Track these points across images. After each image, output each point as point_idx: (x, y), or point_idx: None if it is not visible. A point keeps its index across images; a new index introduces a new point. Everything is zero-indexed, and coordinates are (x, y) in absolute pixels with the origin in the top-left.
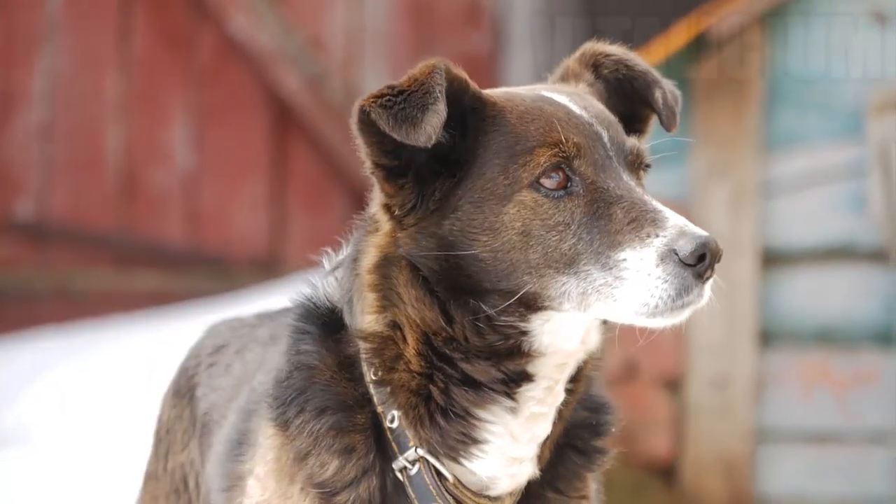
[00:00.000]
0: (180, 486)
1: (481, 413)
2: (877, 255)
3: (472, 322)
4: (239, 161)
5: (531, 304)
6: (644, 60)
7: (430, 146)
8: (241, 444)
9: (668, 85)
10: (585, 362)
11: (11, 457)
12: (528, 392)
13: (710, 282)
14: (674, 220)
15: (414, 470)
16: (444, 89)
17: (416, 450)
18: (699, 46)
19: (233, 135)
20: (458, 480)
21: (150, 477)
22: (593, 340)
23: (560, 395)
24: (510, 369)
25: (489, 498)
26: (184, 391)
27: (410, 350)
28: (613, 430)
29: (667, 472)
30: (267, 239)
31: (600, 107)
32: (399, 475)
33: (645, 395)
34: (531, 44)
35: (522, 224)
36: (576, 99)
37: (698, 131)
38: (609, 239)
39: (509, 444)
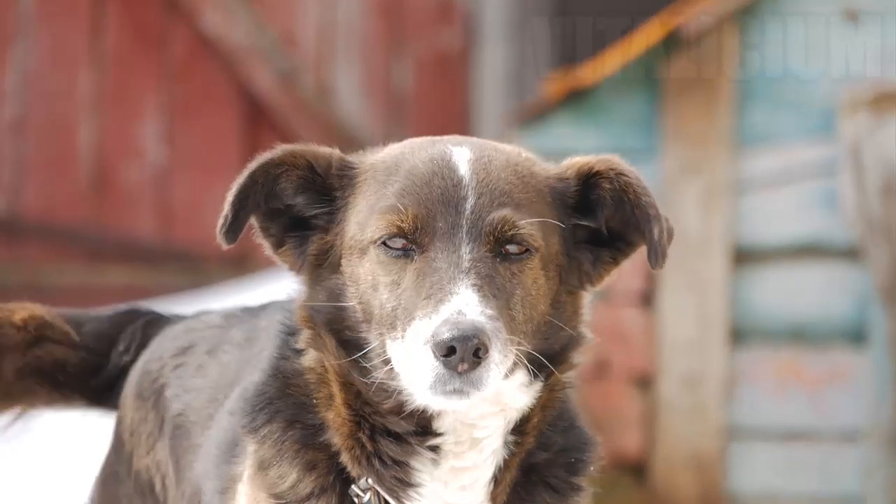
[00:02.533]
0: (146, 488)
1: (409, 461)
2: (849, 253)
3: (360, 378)
4: (211, 157)
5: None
6: (649, 192)
7: (233, 244)
8: (236, 446)
9: (667, 223)
10: (529, 417)
11: None
12: (444, 446)
13: (489, 371)
14: (452, 306)
15: (365, 498)
16: (244, 191)
17: (367, 479)
18: (671, 44)
19: (205, 131)
20: None
21: (109, 478)
22: (515, 400)
23: (490, 451)
24: (417, 424)
25: None
26: (148, 393)
27: (338, 397)
28: (592, 468)
29: (638, 470)
30: None
31: (496, 172)
32: (355, 499)
33: (616, 392)
34: (503, 40)
35: (372, 277)
36: (473, 158)
37: (670, 129)
38: (410, 310)
39: (443, 490)
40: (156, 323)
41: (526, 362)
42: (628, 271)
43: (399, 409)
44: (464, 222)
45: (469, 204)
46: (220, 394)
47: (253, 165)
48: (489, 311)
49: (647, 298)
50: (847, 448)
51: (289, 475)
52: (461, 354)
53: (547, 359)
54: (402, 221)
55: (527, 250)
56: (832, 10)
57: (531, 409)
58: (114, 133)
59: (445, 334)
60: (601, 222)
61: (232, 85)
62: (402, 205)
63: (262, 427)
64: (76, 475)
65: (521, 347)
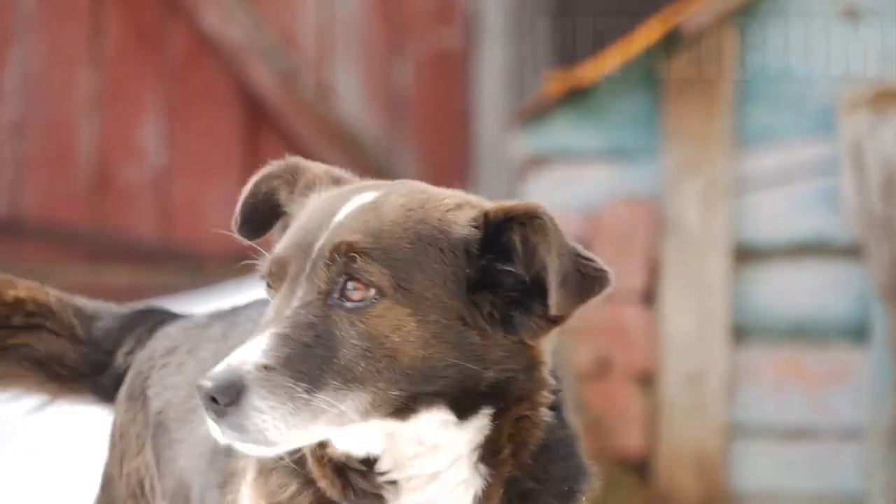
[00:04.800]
0: (136, 489)
1: (378, 492)
2: (849, 251)
3: None
4: (211, 157)
5: None
6: (558, 235)
7: (255, 240)
8: None
9: (580, 270)
10: (498, 449)
11: None
12: (400, 482)
13: (249, 418)
14: (238, 351)
15: None
16: (245, 197)
17: None
18: (670, 44)
19: (204, 131)
20: None
21: (108, 479)
22: (442, 438)
23: (454, 483)
24: (361, 462)
25: None
26: (137, 394)
27: None
28: (583, 497)
29: (640, 468)
30: None
31: (373, 213)
32: None
33: (618, 391)
34: (503, 40)
35: None
36: (367, 202)
37: (670, 128)
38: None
39: None
40: (165, 324)
41: (423, 404)
42: (629, 270)
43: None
44: (307, 265)
45: (318, 244)
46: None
47: (257, 175)
48: (265, 361)
49: (649, 297)
50: (848, 446)
51: (289, 486)
52: (205, 403)
53: (471, 398)
54: (265, 266)
55: (373, 296)
56: (832, 9)
57: (495, 441)
58: (114, 133)
59: (201, 382)
60: (520, 269)
61: (231, 84)
62: (275, 249)
63: None
64: (81, 477)
65: (368, 393)
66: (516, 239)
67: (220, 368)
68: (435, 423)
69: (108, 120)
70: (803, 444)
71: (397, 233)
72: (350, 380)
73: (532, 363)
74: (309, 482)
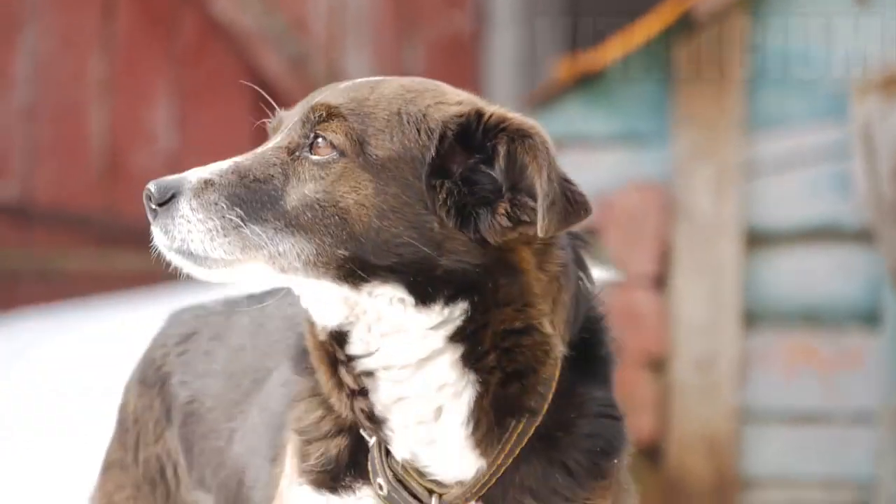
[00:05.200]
0: (156, 476)
1: (364, 387)
2: (861, 236)
3: None
4: (222, 142)
5: None
6: (548, 156)
7: None
8: (283, 417)
9: (561, 195)
10: (484, 354)
11: None
12: (377, 372)
13: (174, 221)
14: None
15: (371, 442)
16: None
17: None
18: (682, 28)
19: (216, 115)
20: (408, 461)
21: (114, 465)
22: (396, 317)
23: (436, 383)
24: (332, 338)
25: (436, 482)
26: (152, 381)
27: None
28: (616, 461)
29: (651, 453)
30: None
31: (370, 88)
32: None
33: (629, 375)
34: (514, 25)
35: None
36: (375, 79)
37: (681, 112)
38: None
39: (409, 428)
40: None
41: (375, 276)
42: (640, 255)
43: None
44: (294, 117)
45: (309, 102)
46: (242, 379)
47: None
48: (209, 177)
49: (660, 281)
50: (860, 430)
51: (315, 412)
52: (145, 201)
53: (426, 282)
54: (272, 122)
55: (336, 156)
56: None
57: (476, 342)
58: (125, 118)
59: (148, 183)
60: (498, 176)
61: (242, 69)
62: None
63: (307, 368)
64: (124, 376)
65: (312, 244)
66: (501, 150)
67: (172, 176)
68: (392, 299)
69: (120, 105)
70: (814, 429)
71: (381, 104)
72: (293, 225)
73: (512, 269)
74: (332, 409)
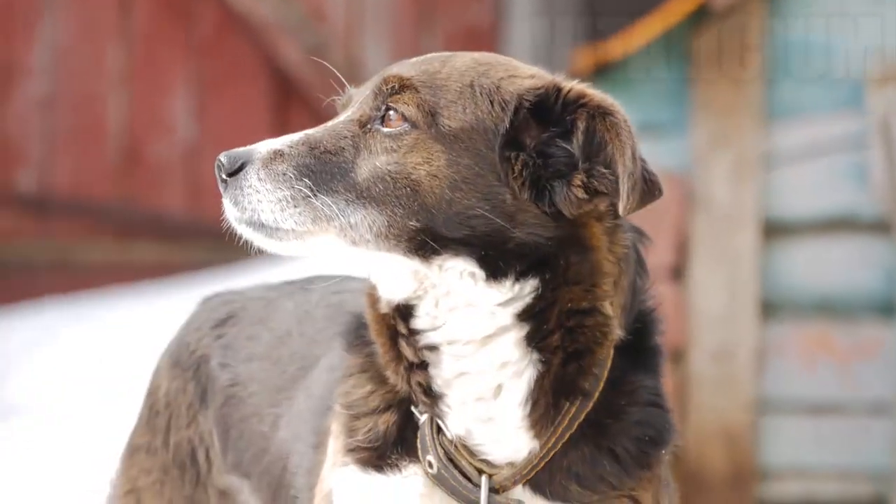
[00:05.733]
0: (186, 459)
1: (424, 361)
2: (878, 226)
3: None
4: (240, 132)
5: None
6: (630, 137)
7: None
8: (328, 401)
9: (641, 176)
10: (549, 332)
11: (12, 428)
12: (441, 347)
13: (243, 191)
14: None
15: (422, 419)
16: None
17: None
18: (700, 17)
19: (234, 106)
20: (461, 438)
21: (140, 449)
22: (466, 290)
23: (499, 359)
24: (398, 313)
25: (486, 462)
26: (187, 364)
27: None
28: (663, 453)
29: None
30: None
31: (443, 63)
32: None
33: None
34: (532, 14)
35: None
36: (451, 54)
37: (699, 102)
38: None
39: (467, 404)
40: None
41: (447, 248)
42: (658, 245)
43: (375, 301)
44: (359, 97)
45: (381, 76)
46: (288, 365)
47: None
48: (280, 148)
49: (678, 272)
50: (877, 421)
51: (364, 387)
52: (217, 172)
53: (499, 255)
54: (342, 98)
55: (408, 127)
56: None
57: (542, 320)
58: (143, 108)
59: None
60: (575, 150)
61: (260, 59)
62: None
63: (358, 344)
64: (142, 367)
65: (384, 215)
66: (581, 125)
67: (244, 147)
68: (462, 273)
69: (138, 95)
70: (832, 420)
71: (453, 77)
72: (365, 197)
73: (584, 246)
74: (382, 384)
